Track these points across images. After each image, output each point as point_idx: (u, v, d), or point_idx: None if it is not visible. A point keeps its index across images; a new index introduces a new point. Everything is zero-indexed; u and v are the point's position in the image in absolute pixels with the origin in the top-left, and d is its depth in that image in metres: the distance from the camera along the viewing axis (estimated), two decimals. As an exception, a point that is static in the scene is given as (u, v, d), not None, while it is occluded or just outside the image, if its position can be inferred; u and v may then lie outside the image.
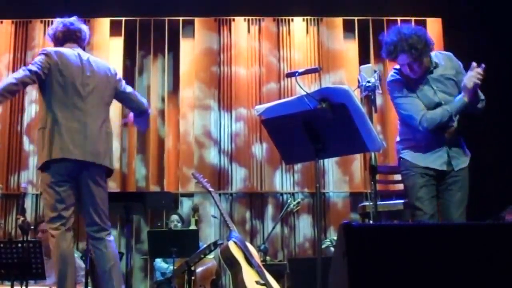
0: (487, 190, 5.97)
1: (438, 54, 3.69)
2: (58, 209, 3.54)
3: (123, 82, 3.97)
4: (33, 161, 6.65)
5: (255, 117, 6.69)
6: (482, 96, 3.57)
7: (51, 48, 3.80)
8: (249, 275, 4.37)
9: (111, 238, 3.69)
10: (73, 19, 3.93)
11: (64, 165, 3.55)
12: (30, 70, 3.55)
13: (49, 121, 3.59)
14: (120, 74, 4.02)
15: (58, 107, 3.61)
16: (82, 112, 3.64)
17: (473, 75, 3.43)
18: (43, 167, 3.59)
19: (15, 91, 3.57)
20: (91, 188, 3.63)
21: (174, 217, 6.03)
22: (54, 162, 3.54)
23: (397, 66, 3.63)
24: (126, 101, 3.98)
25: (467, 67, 3.61)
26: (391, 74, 3.69)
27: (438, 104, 3.53)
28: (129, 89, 3.97)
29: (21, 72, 3.56)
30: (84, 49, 3.93)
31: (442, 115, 3.48)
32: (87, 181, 3.62)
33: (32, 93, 6.79)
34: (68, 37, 3.87)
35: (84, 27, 3.97)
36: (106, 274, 3.56)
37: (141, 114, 4.02)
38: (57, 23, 3.92)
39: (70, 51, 3.77)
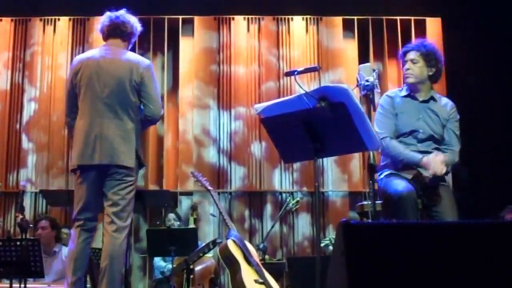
0: (487, 190, 5.98)
1: (444, 97, 3.81)
2: (76, 209, 3.64)
3: (150, 81, 3.70)
4: (32, 159, 6.67)
5: (254, 116, 6.69)
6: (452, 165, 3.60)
7: (77, 56, 3.85)
8: (248, 274, 4.36)
9: (118, 235, 3.57)
10: (121, 12, 3.81)
11: (84, 170, 3.62)
12: (65, 105, 3.82)
13: (75, 128, 3.68)
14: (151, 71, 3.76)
15: (80, 113, 3.68)
16: (99, 114, 3.62)
17: (440, 163, 3.43)
18: (71, 170, 3.75)
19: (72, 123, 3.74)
20: (111, 185, 3.63)
21: (171, 215, 6.02)
22: (77, 168, 3.64)
23: (401, 88, 3.80)
24: (141, 102, 3.71)
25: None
26: (392, 90, 3.89)
27: (414, 131, 3.63)
28: (151, 91, 3.69)
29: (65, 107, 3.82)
30: (129, 43, 3.89)
31: (396, 154, 3.58)
32: (108, 180, 3.63)
33: (30, 91, 6.79)
34: (112, 31, 3.78)
35: (133, 20, 3.83)
36: (101, 272, 3.56)
37: (148, 121, 3.78)
38: (105, 16, 3.83)
39: (94, 52, 3.78)
